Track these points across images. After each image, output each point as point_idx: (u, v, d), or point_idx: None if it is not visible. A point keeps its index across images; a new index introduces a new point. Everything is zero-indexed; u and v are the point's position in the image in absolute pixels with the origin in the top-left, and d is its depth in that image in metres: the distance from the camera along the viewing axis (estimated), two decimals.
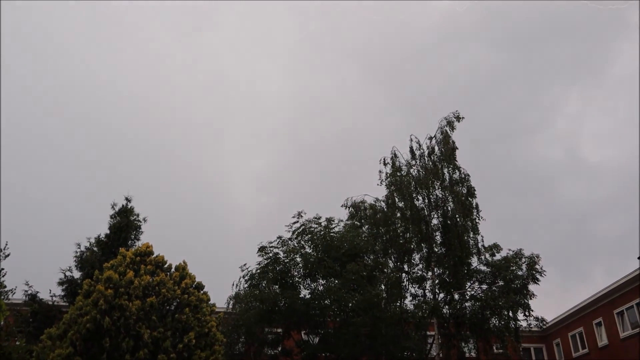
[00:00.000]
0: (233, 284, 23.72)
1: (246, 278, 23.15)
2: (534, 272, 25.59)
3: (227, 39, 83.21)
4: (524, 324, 25.84)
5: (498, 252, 26.24)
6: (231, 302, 23.92)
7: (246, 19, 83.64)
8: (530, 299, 25.54)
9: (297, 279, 23.21)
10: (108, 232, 22.17)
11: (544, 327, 29.76)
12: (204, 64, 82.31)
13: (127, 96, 73.59)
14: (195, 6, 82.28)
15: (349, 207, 27.88)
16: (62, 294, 21.73)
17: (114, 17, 76.57)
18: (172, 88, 76.38)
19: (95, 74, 72.57)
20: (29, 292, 22.01)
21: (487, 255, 26.35)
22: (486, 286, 26.10)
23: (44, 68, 68.26)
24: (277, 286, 22.69)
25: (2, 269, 21.47)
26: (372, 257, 24.26)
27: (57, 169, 62.07)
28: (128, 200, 22.76)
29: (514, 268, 25.66)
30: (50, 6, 71.65)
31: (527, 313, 25.44)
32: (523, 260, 25.91)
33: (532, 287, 25.51)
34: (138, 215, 22.58)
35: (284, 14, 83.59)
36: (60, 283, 21.66)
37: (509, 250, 26.34)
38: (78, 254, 21.92)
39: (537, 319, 25.98)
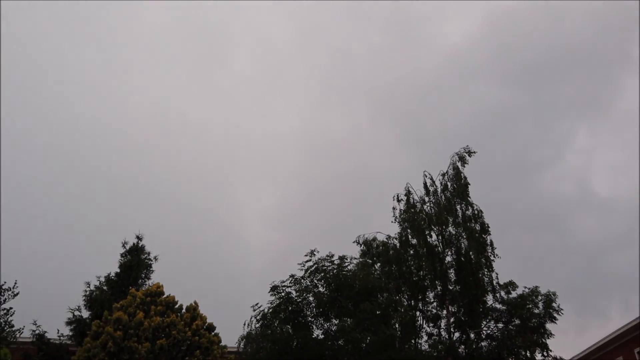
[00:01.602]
0: (244, 324, 23.23)
1: (258, 318, 22.72)
2: (551, 310, 24.91)
3: (238, 78, 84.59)
4: None
5: (514, 290, 25.57)
6: (242, 342, 23.40)
7: (258, 59, 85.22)
8: (548, 338, 24.81)
9: (310, 318, 22.75)
10: (118, 270, 21.98)
11: None
12: (216, 103, 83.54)
13: (138, 136, 74.59)
14: (207, 46, 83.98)
15: (360, 245, 27.58)
16: (70, 334, 21.40)
17: (125, 60, 78.33)
18: (184, 127, 77.42)
19: (105, 115, 73.78)
20: (37, 331, 21.70)
21: (503, 293, 25.72)
22: (502, 325, 25.41)
23: (54, 120, 69.35)
24: (289, 326, 22.23)
25: (11, 308, 21.32)
26: (385, 295, 23.79)
27: (67, 206, 62.32)
28: (139, 238, 22.69)
29: (530, 306, 25.00)
30: (55, 44, 73.21)
31: (545, 353, 24.65)
32: (539, 298, 25.26)
33: (549, 325, 24.81)
34: (149, 253, 22.49)
35: (295, 54, 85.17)
36: (69, 323, 21.38)
37: (525, 287, 25.67)
38: (87, 293, 21.72)
39: (555, 359, 25.18)
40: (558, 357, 25.21)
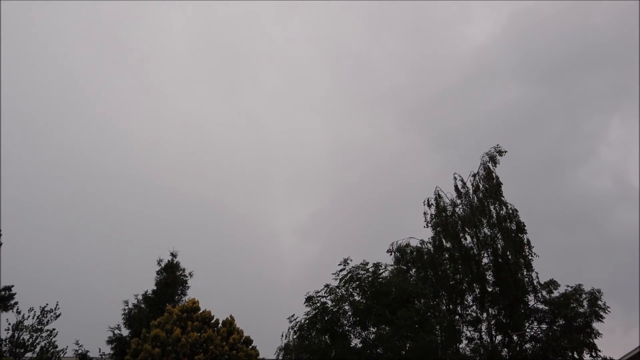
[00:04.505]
0: (282, 335, 23.25)
1: (295, 329, 22.65)
2: (596, 308, 24.07)
3: (265, 93, 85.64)
4: None
5: (556, 289, 24.94)
6: (280, 353, 23.34)
7: (282, 73, 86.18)
8: (595, 337, 23.95)
9: (346, 327, 22.55)
10: (155, 288, 22.19)
11: None
12: (246, 121, 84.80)
13: (173, 153, 76.21)
14: (235, 67, 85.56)
15: (394, 252, 27.15)
16: (111, 352, 21.66)
17: (154, 82, 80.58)
18: (216, 143, 78.78)
19: (139, 134, 75.77)
20: (79, 351, 22.02)
21: (544, 293, 25.05)
22: (546, 326, 24.68)
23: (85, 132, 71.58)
24: (326, 336, 22.07)
25: (54, 329, 21.77)
26: (422, 301, 23.39)
27: (104, 226, 63.59)
28: (174, 255, 22.86)
29: (574, 305, 24.22)
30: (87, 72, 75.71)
31: (593, 353, 23.78)
32: (584, 296, 24.46)
33: (596, 324, 23.99)
34: (184, 270, 22.63)
35: (319, 67, 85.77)
36: (110, 341, 21.64)
37: (567, 286, 24.99)
38: (126, 311, 21.96)
39: (605, 359, 24.25)
40: (607, 358, 24.30)
